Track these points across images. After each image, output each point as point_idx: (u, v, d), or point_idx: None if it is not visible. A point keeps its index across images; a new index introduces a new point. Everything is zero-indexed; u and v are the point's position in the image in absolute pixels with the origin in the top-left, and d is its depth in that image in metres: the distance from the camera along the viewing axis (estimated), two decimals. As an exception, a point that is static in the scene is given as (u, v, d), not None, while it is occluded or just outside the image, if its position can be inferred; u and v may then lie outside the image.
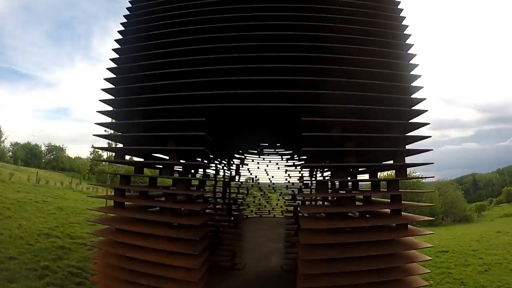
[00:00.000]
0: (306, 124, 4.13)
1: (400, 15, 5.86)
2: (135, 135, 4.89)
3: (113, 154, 5.61)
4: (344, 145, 4.37)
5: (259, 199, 14.92)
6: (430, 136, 5.15)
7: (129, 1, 6.76)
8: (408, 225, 4.45)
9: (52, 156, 48.77)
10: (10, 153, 43.77)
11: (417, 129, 5.16)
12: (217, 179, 9.91)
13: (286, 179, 13.23)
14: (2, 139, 41.54)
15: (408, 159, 5.02)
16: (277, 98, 4.47)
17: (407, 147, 5.02)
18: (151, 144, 5.28)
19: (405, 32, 5.72)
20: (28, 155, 44.41)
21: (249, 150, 11.83)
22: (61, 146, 47.91)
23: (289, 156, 11.92)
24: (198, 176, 7.97)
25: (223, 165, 10.78)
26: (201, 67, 4.74)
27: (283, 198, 14.30)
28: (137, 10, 6.38)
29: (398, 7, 5.89)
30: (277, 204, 14.80)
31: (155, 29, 5.69)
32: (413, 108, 5.14)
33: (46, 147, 48.49)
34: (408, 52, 5.59)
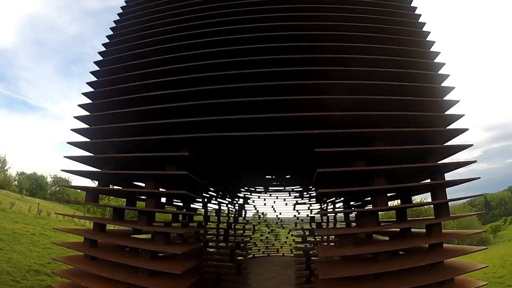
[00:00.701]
0: (321, 156, 3.15)
1: (421, 22, 5.12)
2: (107, 172, 3.96)
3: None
4: (371, 180, 3.33)
5: (267, 237, 13.74)
6: (475, 161, 4.12)
7: (113, 21, 6.22)
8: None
9: (58, 188, 48.19)
10: (16, 182, 43.35)
11: (456, 153, 4.16)
12: (220, 219, 8.79)
13: (295, 216, 12.12)
14: (6, 167, 41.33)
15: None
16: (283, 124, 3.53)
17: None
18: (130, 183, 4.36)
19: (427, 39, 4.91)
20: (34, 186, 43.89)
21: (251, 188, 10.78)
22: (66, 179, 47.61)
23: (298, 194, 10.93)
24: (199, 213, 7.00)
25: (227, 202, 9.71)
26: (185, 89, 3.87)
27: (292, 235, 13.11)
28: (120, 30, 5.77)
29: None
30: (285, 242, 13.60)
31: (136, 48, 4.96)
32: (449, 127, 4.17)
33: (52, 179, 48.00)
34: (435, 60, 4.73)
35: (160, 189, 4.17)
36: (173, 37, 4.68)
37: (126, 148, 4.09)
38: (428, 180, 4.02)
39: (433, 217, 3.91)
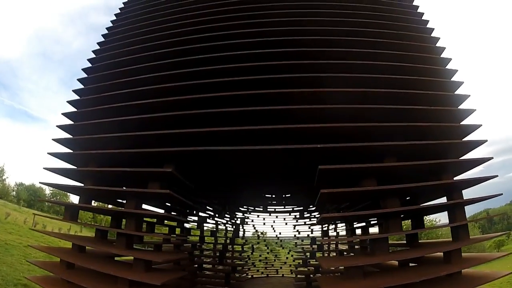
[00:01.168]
0: (325, 174, 2.73)
1: (429, 28, 4.86)
2: (84, 187, 3.56)
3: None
4: (382, 201, 2.90)
5: (266, 257, 13.16)
6: (497, 175, 3.69)
7: (106, 28, 5.99)
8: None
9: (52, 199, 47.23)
10: (14, 193, 42.66)
11: (473, 167, 3.75)
12: (217, 240, 8.28)
13: (295, 235, 11.63)
14: (4, 177, 40.59)
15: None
16: (283, 137, 3.12)
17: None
18: (114, 200, 3.94)
19: (438, 45, 4.63)
20: (32, 197, 43.07)
21: (250, 207, 10.38)
22: (65, 192, 46.36)
23: (298, 214, 10.36)
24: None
25: (224, 221, 9.21)
26: (172, 97, 3.51)
27: (292, 256, 12.58)
28: (110, 37, 5.54)
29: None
30: (285, 262, 13.05)
31: (124, 55, 4.67)
32: (465, 139, 3.78)
33: (51, 191, 46.92)
34: (447, 67, 4.40)
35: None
36: (161, 44, 4.38)
37: (108, 162, 3.70)
38: (444, 198, 3.59)
39: (446, 238, 3.48)
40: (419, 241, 4.17)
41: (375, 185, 2.84)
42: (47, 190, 45.99)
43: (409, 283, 2.93)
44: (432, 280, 3.28)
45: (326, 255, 8.28)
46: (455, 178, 3.52)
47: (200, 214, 7.17)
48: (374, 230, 5.34)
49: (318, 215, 9.44)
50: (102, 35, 5.80)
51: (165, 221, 5.45)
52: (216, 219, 8.19)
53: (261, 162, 3.64)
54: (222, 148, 2.99)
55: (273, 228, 11.85)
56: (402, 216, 3.84)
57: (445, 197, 3.69)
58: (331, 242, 8.01)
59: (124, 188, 3.24)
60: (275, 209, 10.43)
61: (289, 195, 7.86)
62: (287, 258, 13.11)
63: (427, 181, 3.11)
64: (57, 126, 4.44)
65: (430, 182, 2.95)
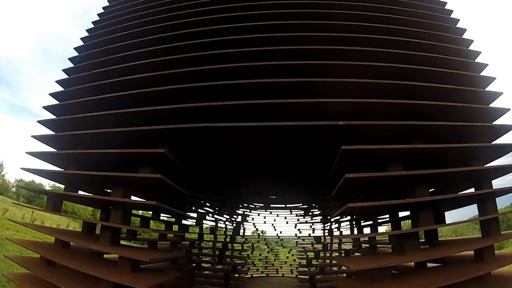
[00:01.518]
0: (348, 155, 2.32)
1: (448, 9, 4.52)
2: (64, 172, 3.16)
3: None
4: (410, 190, 2.47)
5: (266, 257, 12.99)
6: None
7: (102, 7, 5.61)
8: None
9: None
10: (14, 189, 42.33)
11: (506, 153, 3.37)
12: (216, 238, 7.93)
13: (296, 234, 11.27)
14: (3, 173, 40.12)
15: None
16: (295, 114, 2.71)
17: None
18: (101, 188, 3.54)
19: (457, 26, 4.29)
20: (31, 193, 42.66)
21: (251, 205, 9.94)
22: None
23: (300, 212, 10.02)
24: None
25: (224, 219, 8.88)
26: (169, 70, 3.11)
27: (292, 255, 12.18)
28: (104, 15, 5.20)
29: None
30: (286, 262, 12.41)
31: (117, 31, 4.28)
32: (495, 123, 3.39)
33: (51, 188, 46.43)
34: (469, 48, 4.06)
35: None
36: (154, 19, 4.01)
37: (96, 145, 3.30)
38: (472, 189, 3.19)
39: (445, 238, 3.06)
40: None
41: (401, 171, 2.42)
42: (47, 186, 45.55)
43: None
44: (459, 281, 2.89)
45: (328, 255, 7.92)
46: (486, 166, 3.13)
47: (199, 211, 6.80)
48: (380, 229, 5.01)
49: (321, 213, 9.04)
50: (98, 15, 5.44)
51: (161, 216, 5.07)
52: (216, 216, 7.80)
53: (266, 144, 3.21)
54: (226, 125, 2.56)
55: (274, 227, 11.50)
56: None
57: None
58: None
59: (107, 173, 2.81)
60: (276, 206, 10.03)
61: (292, 192, 7.44)
62: (287, 257, 12.78)
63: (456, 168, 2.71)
64: (43, 107, 4.04)
65: (468, 167, 2.52)
